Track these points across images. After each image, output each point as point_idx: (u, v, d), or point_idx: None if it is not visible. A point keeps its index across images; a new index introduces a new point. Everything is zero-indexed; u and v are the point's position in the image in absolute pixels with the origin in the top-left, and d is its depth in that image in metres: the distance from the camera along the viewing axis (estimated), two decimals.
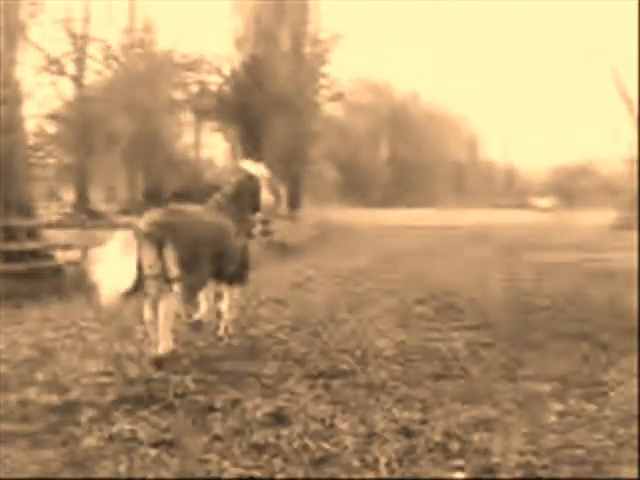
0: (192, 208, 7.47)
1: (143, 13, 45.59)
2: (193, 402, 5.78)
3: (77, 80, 40.99)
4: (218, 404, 5.74)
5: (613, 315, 10.31)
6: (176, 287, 6.79)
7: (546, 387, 6.40)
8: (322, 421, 5.35)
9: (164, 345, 6.83)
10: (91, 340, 8.15)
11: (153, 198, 44.68)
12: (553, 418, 5.51)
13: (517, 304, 11.44)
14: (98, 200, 46.07)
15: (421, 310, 10.65)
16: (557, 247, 24.09)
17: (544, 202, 73.27)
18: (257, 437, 4.99)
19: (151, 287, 6.77)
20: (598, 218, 41.63)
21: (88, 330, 8.76)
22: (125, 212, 40.76)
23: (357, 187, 69.47)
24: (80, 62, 41.31)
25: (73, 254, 14.08)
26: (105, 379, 6.42)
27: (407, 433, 5.13)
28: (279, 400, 5.86)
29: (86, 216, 28.86)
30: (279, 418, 5.40)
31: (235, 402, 5.79)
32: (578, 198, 75.58)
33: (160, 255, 6.73)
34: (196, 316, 8.25)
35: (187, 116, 49.54)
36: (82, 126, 39.17)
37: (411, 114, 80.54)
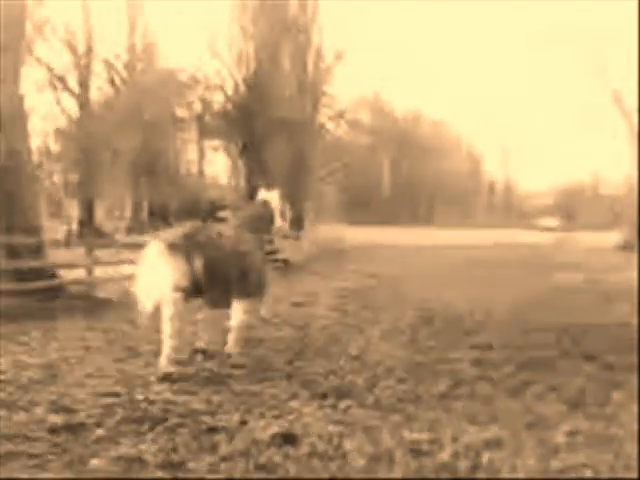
0: (217, 225, 8.14)
1: (145, 31, 45.98)
2: (199, 423, 5.75)
3: (81, 97, 41.21)
4: (224, 424, 5.70)
5: (619, 335, 10.28)
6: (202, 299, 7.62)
7: (554, 407, 6.36)
8: (329, 441, 5.32)
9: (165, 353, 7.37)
10: (97, 360, 8.12)
11: (158, 216, 44.83)
12: (561, 438, 5.47)
13: (523, 324, 11.39)
14: (103, 217, 46.17)
15: (428, 330, 10.61)
16: (562, 267, 24.04)
17: (549, 222, 73.33)
18: (264, 458, 4.95)
19: (179, 298, 7.33)
20: (602, 239, 41.67)
21: (94, 350, 8.73)
22: (130, 230, 40.87)
23: (359, 205, 69.55)
24: (84, 79, 41.57)
25: (78, 273, 14.07)
26: (111, 399, 6.38)
27: (415, 453, 5.10)
28: (286, 420, 5.83)
29: (91, 234, 28.91)
30: (286, 438, 5.36)
31: (242, 422, 5.76)
32: (581, 218, 75.69)
33: (189, 267, 7.28)
34: (199, 344, 8.35)
35: (190, 134, 49.78)
36: (86, 143, 39.33)
37: (413, 133, 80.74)
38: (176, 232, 7.58)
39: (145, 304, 7.39)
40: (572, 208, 78.63)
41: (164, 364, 7.27)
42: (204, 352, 8.15)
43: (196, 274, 7.33)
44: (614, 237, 40.78)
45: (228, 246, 7.79)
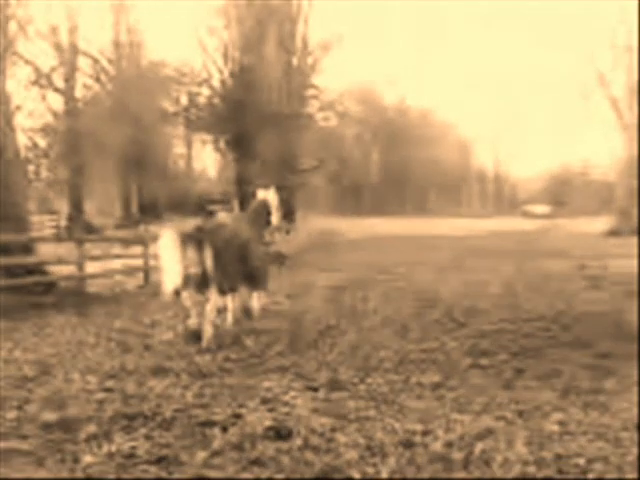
0: (224, 218, 9.40)
1: (130, 26, 45.75)
2: (192, 417, 5.74)
3: (67, 93, 40.99)
4: (217, 418, 5.70)
5: (612, 323, 10.33)
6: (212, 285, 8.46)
7: (547, 396, 6.39)
8: (322, 434, 5.32)
9: (206, 335, 8.46)
10: (89, 356, 8.10)
11: (148, 211, 44.71)
12: (554, 427, 5.49)
13: (515, 312, 11.42)
14: (93, 213, 46.02)
15: (421, 319, 10.62)
16: (553, 254, 24.10)
17: (540, 209, 73.51)
18: (257, 451, 4.95)
19: (192, 284, 8.41)
20: (593, 225, 41.81)
21: (86, 345, 8.71)
22: (120, 226, 40.74)
23: (349, 196, 69.54)
24: (69, 76, 41.35)
25: (68, 269, 14.02)
26: (104, 395, 6.37)
27: (408, 444, 5.10)
28: (279, 413, 5.83)
29: (81, 230, 28.78)
30: (279, 432, 5.36)
31: (235, 416, 5.75)
32: (571, 205, 75.90)
33: (201, 256, 8.22)
34: (191, 323, 8.94)
35: (178, 128, 49.60)
36: (73, 139, 39.16)
37: (401, 123, 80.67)
38: (189, 224, 8.59)
39: (167, 288, 8.21)
40: (562, 195, 78.80)
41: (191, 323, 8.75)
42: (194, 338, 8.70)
43: (205, 262, 8.24)
44: (604, 223, 40.90)
45: (234, 238, 8.85)
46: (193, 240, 8.24)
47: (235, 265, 8.79)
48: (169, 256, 8.15)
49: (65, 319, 10.75)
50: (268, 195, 10.54)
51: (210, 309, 8.53)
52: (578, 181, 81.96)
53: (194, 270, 8.23)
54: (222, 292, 8.73)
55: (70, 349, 8.46)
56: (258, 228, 10.09)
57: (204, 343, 8.41)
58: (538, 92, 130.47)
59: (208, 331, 8.47)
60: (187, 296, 8.68)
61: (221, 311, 9.43)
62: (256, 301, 10.10)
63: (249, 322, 9.88)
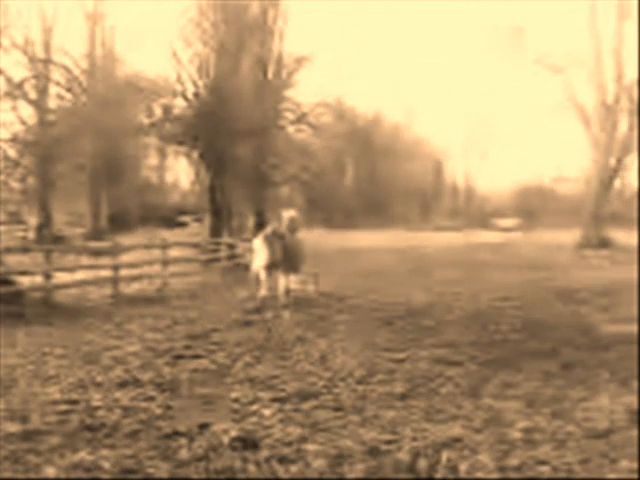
0: (281, 228, 13.83)
1: (104, 38, 45.55)
2: (158, 428, 5.69)
3: (39, 104, 40.64)
4: (184, 429, 5.65)
5: (578, 333, 10.45)
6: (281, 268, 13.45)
7: (512, 404, 6.43)
8: (290, 444, 5.30)
9: (281, 298, 13.42)
10: (54, 366, 8.00)
11: (118, 222, 44.36)
12: (519, 435, 5.53)
13: (482, 323, 11.50)
14: (62, 224, 45.51)
15: (388, 330, 10.64)
16: (522, 266, 24.32)
17: (508, 222, 74.14)
18: (224, 462, 4.92)
19: (271, 267, 13.24)
20: (561, 237, 42.26)
21: (52, 356, 8.60)
22: (89, 237, 40.32)
23: (322, 209, 69.61)
24: (42, 86, 41.00)
25: (36, 279, 13.85)
26: (68, 406, 6.29)
27: (375, 453, 5.11)
28: (247, 424, 5.80)
29: (50, 241, 28.47)
30: (247, 442, 5.32)
31: (202, 427, 5.71)
32: (540, 218, 76.66)
33: (273, 250, 13.12)
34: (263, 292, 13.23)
35: (151, 140, 49.31)
36: (44, 150, 38.79)
37: (374, 135, 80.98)
38: (267, 230, 13.71)
39: (256, 267, 13.45)
40: (532, 207, 79.45)
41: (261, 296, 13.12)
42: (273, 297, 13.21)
43: (275, 254, 13.11)
44: (574, 236, 41.34)
45: (287, 241, 13.55)
46: (269, 241, 13.06)
47: (289, 257, 13.34)
48: (258, 249, 13.20)
49: (32, 330, 10.61)
50: (292, 213, 14.49)
51: (280, 283, 13.46)
52: (547, 194, 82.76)
53: (271, 259, 13.09)
54: (285, 272, 13.48)
55: (35, 360, 8.35)
56: (291, 236, 14.06)
57: (281, 302, 13.16)
58: (508, 107, 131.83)
59: (282, 295, 13.41)
60: (264, 274, 13.18)
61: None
62: (293, 281, 14.04)
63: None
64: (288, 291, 13.61)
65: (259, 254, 13.12)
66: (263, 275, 13.11)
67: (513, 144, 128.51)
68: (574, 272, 21.57)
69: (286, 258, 13.19)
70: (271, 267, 13.07)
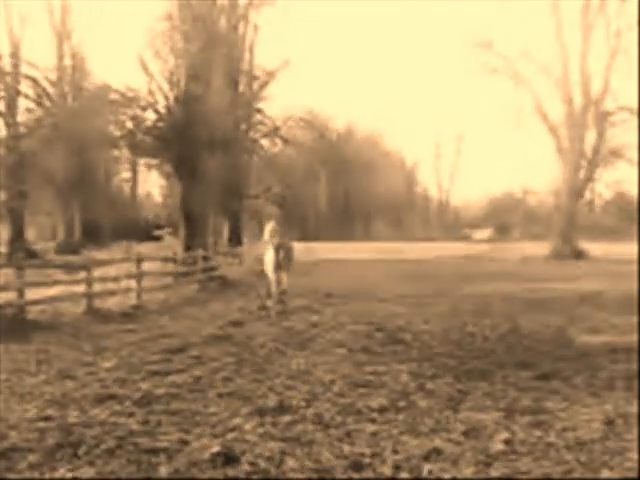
0: (283, 234, 15.82)
1: (74, 50, 45.30)
2: (136, 444, 5.63)
3: (8, 117, 40.28)
4: (163, 445, 5.60)
5: (554, 344, 10.55)
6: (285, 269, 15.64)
7: (492, 416, 6.46)
8: (271, 459, 5.27)
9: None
10: (30, 383, 7.89)
11: (91, 236, 43.99)
12: (500, 447, 5.55)
13: (459, 335, 11.56)
14: (34, 239, 45.03)
15: (367, 344, 10.65)
16: (496, 277, 24.52)
17: (480, 233, 74.86)
18: (204, 478, 4.88)
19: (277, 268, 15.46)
20: (533, 249, 42.69)
21: (26, 373, 8.48)
22: (62, 251, 39.93)
23: (294, 221, 69.64)
24: (10, 99, 40.65)
25: (8, 295, 13.65)
26: (45, 423, 6.20)
27: (357, 467, 5.10)
28: (226, 439, 5.76)
29: (22, 255, 28.12)
30: (227, 458, 5.29)
31: (181, 443, 5.66)
32: (512, 229, 77.43)
33: (278, 256, 15.37)
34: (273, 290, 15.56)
35: (123, 152, 49.04)
36: (14, 164, 38.43)
37: (347, 148, 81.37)
38: (276, 240, 15.45)
39: (269, 270, 15.60)
40: (504, 219, 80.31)
41: (272, 301, 15.38)
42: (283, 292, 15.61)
43: (280, 259, 15.37)
44: (544, 247, 41.79)
45: (286, 245, 15.69)
46: (277, 249, 15.33)
47: (287, 261, 15.65)
48: (269, 257, 15.56)
49: (4, 347, 10.45)
50: (272, 225, 15.91)
51: (284, 282, 15.58)
52: (518, 206, 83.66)
53: (277, 262, 15.39)
54: (283, 271, 15.51)
55: (9, 377, 8.22)
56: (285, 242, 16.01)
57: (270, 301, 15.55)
58: (478, 118, 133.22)
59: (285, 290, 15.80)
60: (273, 275, 15.44)
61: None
62: (285, 278, 15.74)
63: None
64: (284, 291, 15.75)
65: (269, 261, 15.67)
66: (273, 276, 15.61)
67: (483, 156, 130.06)
68: (548, 283, 21.78)
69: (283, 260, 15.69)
70: (277, 269, 15.51)
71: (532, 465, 5.13)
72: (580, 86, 41.10)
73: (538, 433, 5.93)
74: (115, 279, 17.68)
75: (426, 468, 5.04)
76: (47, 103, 43.16)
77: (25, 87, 42.11)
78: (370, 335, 11.49)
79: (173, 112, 32.95)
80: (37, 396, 7.24)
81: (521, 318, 13.57)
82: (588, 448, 5.52)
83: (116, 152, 47.19)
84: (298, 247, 19.91)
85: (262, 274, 17.27)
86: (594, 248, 40.72)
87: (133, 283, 17.05)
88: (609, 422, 6.21)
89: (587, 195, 57.50)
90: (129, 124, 37.12)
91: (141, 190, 68.20)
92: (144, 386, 7.68)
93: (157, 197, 68.87)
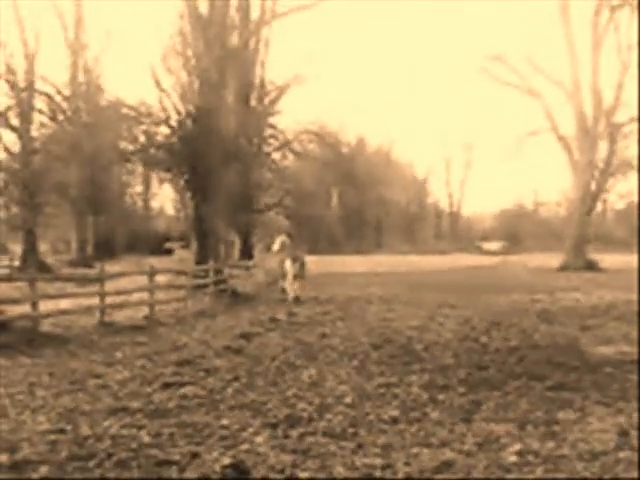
0: (295, 246, 20.31)
1: (87, 65, 45.64)
2: (148, 457, 5.63)
3: (22, 132, 40.58)
4: (174, 458, 5.60)
5: (567, 355, 10.49)
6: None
7: (504, 427, 6.43)
8: (282, 471, 5.27)
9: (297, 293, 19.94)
10: (42, 396, 7.91)
11: (104, 250, 44.16)
12: (512, 458, 5.52)
13: (471, 346, 11.52)
14: (47, 252, 45.23)
15: (378, 355, 10.63)
16: (508, 289, 24.41)
17: (493, 245, 74.61)
18: None
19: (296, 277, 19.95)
20: (545, 260, 42.50)
21: (39, 385, 8.51)
22: (75, 264, 40.10)
23: (306, 234, 69.68)
24: (25, 114, 40.95)
25: (22, 308, 13.72)
26: (57, 436, 6.21)
27: (369, 479, 5.08)
28: (238, 451, 5.75)
29: (36, 269, 28.25)
30: (239, 470, 5.28)
31: (192, 455, 5.66)
32: (524, 241, 77.14)
33: (296, 266, 19.75)
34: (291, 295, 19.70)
35: (135, 166, 49.32)
36: (28, 178, 38.69)
37: (358, 161, 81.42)
38: (294, 252, 19.73)
39: (290, 279, 19.42)
40: (515, 231, 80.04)
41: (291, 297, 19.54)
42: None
43: (297, 269, 19.11)
44: (556, 259, 41.62)
45: (300, 258, 19.60)
46: (293, 260, 18.98)
47: (300, 272, 19.44)
48: (289, 267, 19.22)
49: (18, 359, 10.50)
50: (283, 238, 19.93)
51: (300, 287, 19.62)
52: (530, 218, 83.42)
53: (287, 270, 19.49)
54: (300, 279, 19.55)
55: (23, 390, 8.25)
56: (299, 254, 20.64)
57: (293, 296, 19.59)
58: (490, 130, 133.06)
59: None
60: (292, 282, 19.30)
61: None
62: (299, 287, 19.79)
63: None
64: (297, 298, 19.50)
65: (289, 270, 19.48)
66: (293, 283, 19.45)
67: (495, 168, 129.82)
68: (560, 294, 21.68)
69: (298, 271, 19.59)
70: (296, 277, 19.27)
71: (545, 477, 5.09)
72: (592, 97, 41.04)
73: (551, 444, 5.89)
74: (127, 292, 17.73)
75: None
76: (61, 118, 43.47)
77: (39, 102, 42.44)
78: (381, 346, 11.47)
79: (185, 127, 33.10)
80: (49, 408, 7.27)
81: (533, 329, 13.51)
82: (601, 459, 5.48)
83: (129, 166, 47.52)
84: (309, 260, 20.69)
85: (272, 286, 17.57)
86: (606, 259, 40.48)
87: (145, 296, 17.10)
88: (623, 433, 6.16)
89: (599, 206, 57.17)
90: (142, 139, 37.37)
91: (154, 204, 68.49)
92: (156, 398, 7.69)
93: (170, 210, 69.12)
